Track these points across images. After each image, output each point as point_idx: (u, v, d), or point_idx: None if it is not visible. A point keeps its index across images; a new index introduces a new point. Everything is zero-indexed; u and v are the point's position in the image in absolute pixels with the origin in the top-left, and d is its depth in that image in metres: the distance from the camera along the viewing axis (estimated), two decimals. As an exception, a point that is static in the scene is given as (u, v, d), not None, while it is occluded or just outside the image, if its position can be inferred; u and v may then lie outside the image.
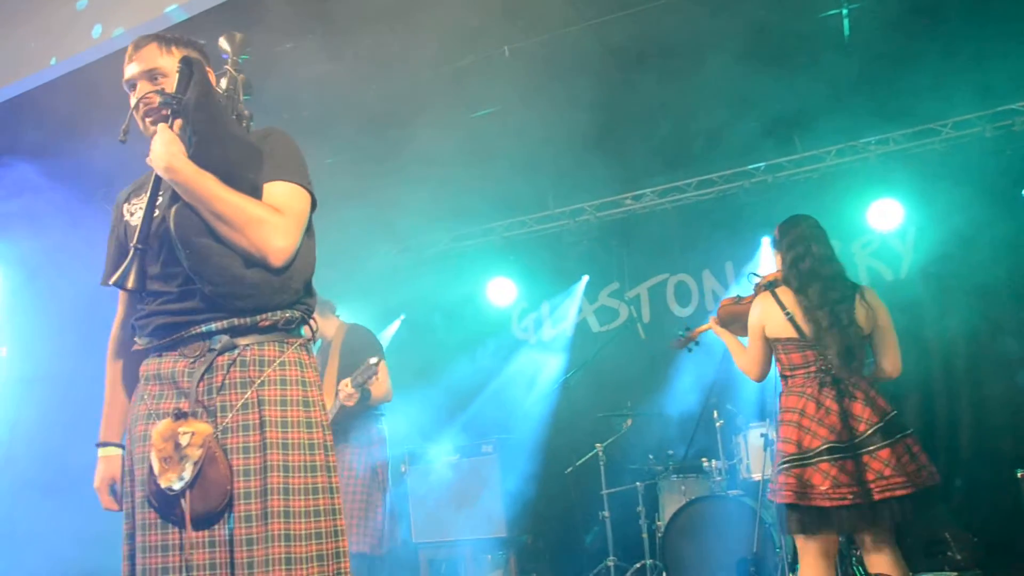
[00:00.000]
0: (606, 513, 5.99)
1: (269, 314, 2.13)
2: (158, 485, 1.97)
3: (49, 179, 5.31)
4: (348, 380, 4.37)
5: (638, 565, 5.76)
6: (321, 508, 2.06)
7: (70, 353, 5.89)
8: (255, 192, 2.10)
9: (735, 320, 3.93)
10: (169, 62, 2.22)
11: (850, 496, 3.19)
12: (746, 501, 5.17)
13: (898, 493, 3.17)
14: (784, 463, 3.36)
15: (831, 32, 5.58)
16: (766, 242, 6.65)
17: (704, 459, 5.67)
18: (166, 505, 1.99)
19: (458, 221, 7.88)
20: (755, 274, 3.69)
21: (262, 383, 2.07)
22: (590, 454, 6.17)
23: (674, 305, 7.34)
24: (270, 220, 2.06)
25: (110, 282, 2.12)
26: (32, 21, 5.03)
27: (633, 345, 7.28)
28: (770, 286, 3.62)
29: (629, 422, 6.18)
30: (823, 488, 3.22)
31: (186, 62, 2.12)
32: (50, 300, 5.97)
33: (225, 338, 2.08)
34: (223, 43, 2.31)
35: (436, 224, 7.88)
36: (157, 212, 2.14)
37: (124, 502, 2.17)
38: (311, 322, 2.26)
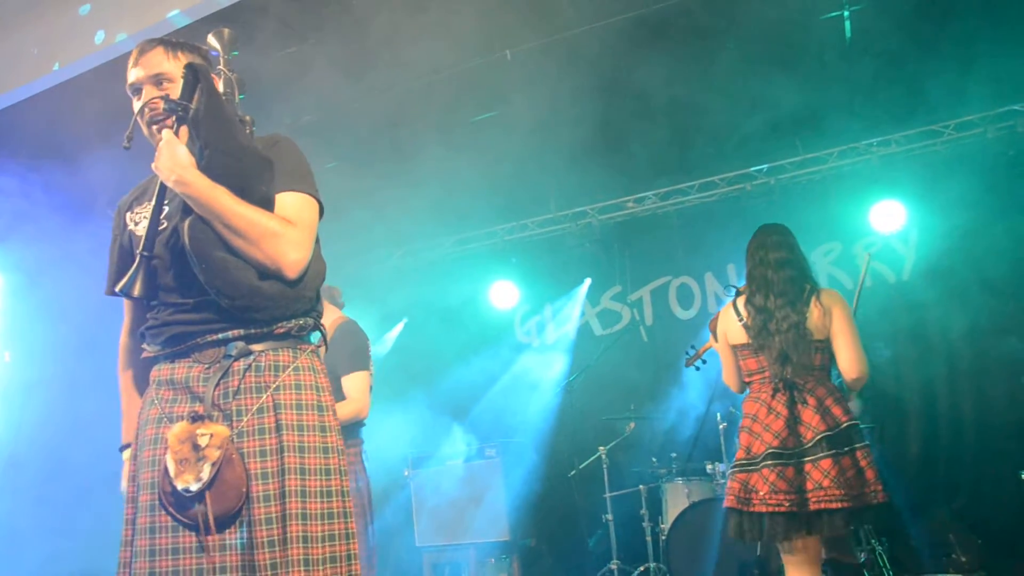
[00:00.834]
0: (609, 516, 5.98)
1: (284, 322, 2.14)
2: (173, 487, 1.97)
3: (51, 185, 5.32)
4: None
5: (641, 568, 5.75)
6: (335, 511, 2.08)
7: (73, 358, 5.91)
8: (267, 204, 2.10)
9: None
10: (175, 67, 2.20)
11: (786, 503, 3.16)
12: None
13: (834, 506, 3.11)
14: (732, 468, 3.39)
15: (833, 34, 5.58)
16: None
17: (708, 462, 5.66)
18: (180, 508, 1.99)
19: (460, 225, 7.89)
20: (734, 287, 3.70)
21: (277, 388, 2.08)
22: (593, 457, 6.17)
23: (677, 308, 7.33)
24: (285, 233, 2.06)
25: (116, 290, 2.11)
26: (35, 27, 5.04)
27: (636, 348, 7.28)
28: (738, 295, 3.65)
29: (632, 425, 6.18)
30: (763, 493, 3.21)
31: (191, 68, 2.10)
32: (52, 305, 5.97)
33: (241, 344, 2.09)
34: (212, 40, 2.29)
35: (438, 228, 7.89)
36: (165, 223, 2.13)
37: (126, 507, 2.15)
38: (321, 327, 2.28)
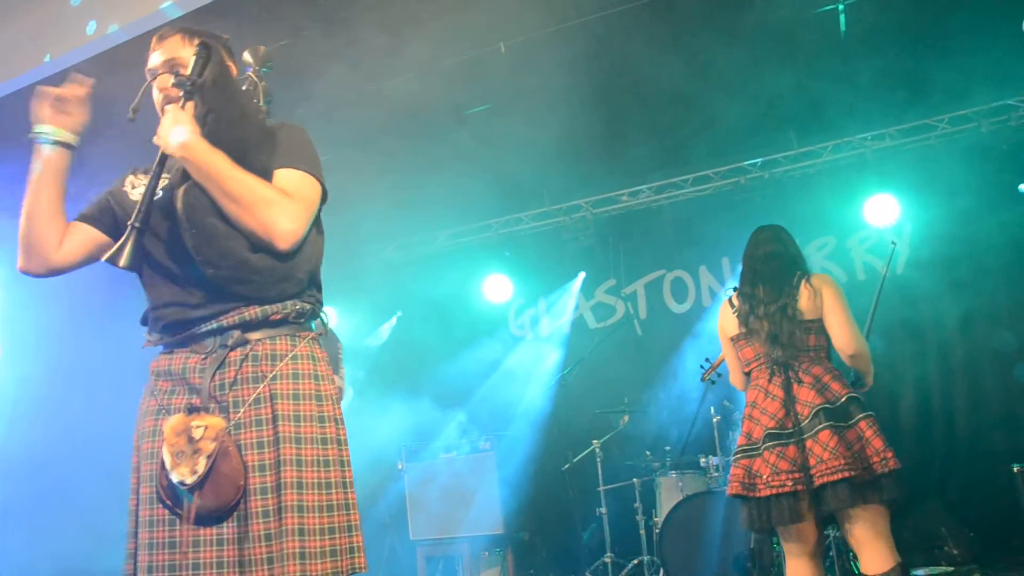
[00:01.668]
0: (603, 510, 5.99)
1: (279, 306, 2.10)
2: (169, 480, 1.96)
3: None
4: None
5: (635, 561, 5.77)
6: (335, 503, 2.04)
7: (67, 351, 5.89)
8: (265, 175, 2.08)
9: None
10: (190, 53, 2.19)
11: (789, 483, 3.10)
12: (743, 497, 5.16)
13: (835, 477, 3.01)
14: (735, 455, 3.36)
15: (827, 28, 5.57)
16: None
17: (701, 456, 5.67)
18: (176, 501, 1.98)
19: (454, 218, 7.88)
20: (735, 288, 3.73)
21: (274, 377, 2.06)
22: (587, 450, 6.17)
23: (671, 301, 7.34)
24: (279, 202, 2.04)
25: (103, 258, 2.04)
26: (26, 18, 5.01)
27: (630, 341, 7.29)
28: (734, 293, 3.68)
29: (626, 418, 6.18)
30: (766, 476, 3.16)
31: (204, 45, 2.10)
32: (45, 298, 5.95)
33: (237, 333, 2.06)
34: (247, 56, 2.33)
35: (432, 221, 7.88)
36: (160, 194, 2.11)
37: (129, 498, 2.13)
38: (322, 315, 2.26)
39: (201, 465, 1.93)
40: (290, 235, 2.05)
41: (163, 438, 1.99)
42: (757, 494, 3.19)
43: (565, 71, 5.59)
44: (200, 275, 2.05)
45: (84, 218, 2.28)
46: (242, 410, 2.02)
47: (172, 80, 2.12)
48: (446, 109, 6.13)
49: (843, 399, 3.18)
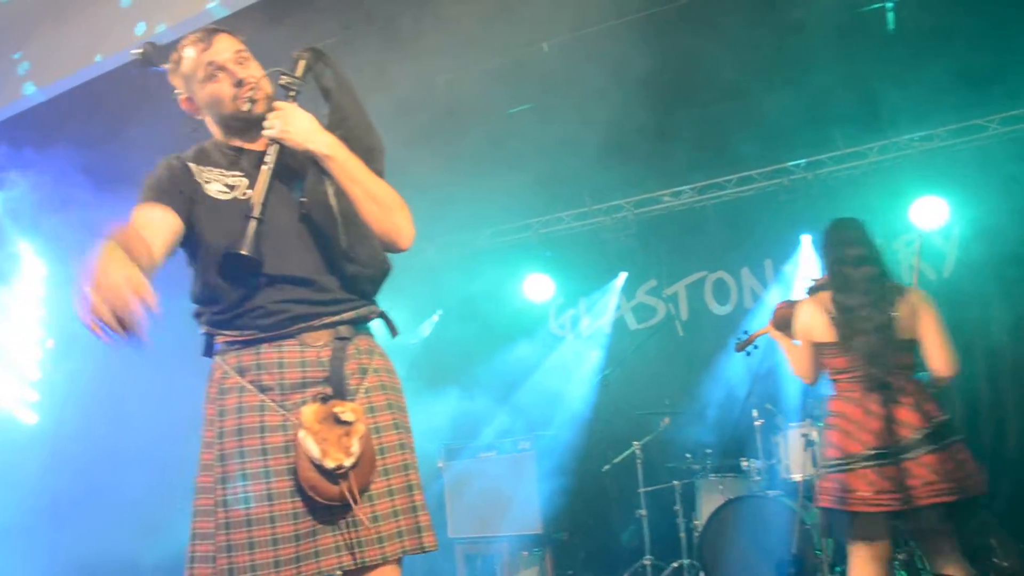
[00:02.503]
0: (643, 511, 5.96)
1: (374, 307, 2.25)
2: (322, 468, 1.97)
3: (93, 174, 5.38)
4: None
5: (675, 564, 5.73)
6: (414, 483, 2.21)
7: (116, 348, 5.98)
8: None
9: (788, 325, 3.92)
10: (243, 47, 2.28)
11: (892, 502, 3.17)
12: (785, 502, 5.10)
13: (944, 499, 3.12)
14: (827, 468, 3.36)
15: (875, 26, 5.48)
16: (806, 240, 6.58)
17: (743, 459, 5.61)
18: (325, 491, 1.99)
19: (495, 217, 7.88)
20: (813, 279, 3.70)
21: (376, 370, 2.19)
22: (627, 452, 6.14)
23: (712, 303, 7.28)
24: (405, 206, 2.21)
25: (223, 252, 2.02)
26: (77, 19, 5.11)
27: (671, 343, 7.23)
28: (817, 290, 3.62)
29: (667, 420, 6.14)
30: (865, 494, 3.20)
31: (315, 52, 2.22)
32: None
33: (345, 328, 2.16)
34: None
35: (473, 220, 7.89)
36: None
37: (200, 497, 2.06)
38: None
39: (356, 446, 2.01)
40: (412, 238, 2.24)
41: (282, 434, 2.02)
42: (850, 508, 3.23)
43: (607, 70, 5.57)
44: (320, 270, 2.12)
45: (166, 208, 2.12)
46: (363, 397, 2.14)
47: (283, 79, 2.17)
48: (488, 109, 6.13)
49: (939, 420, 3.26)
